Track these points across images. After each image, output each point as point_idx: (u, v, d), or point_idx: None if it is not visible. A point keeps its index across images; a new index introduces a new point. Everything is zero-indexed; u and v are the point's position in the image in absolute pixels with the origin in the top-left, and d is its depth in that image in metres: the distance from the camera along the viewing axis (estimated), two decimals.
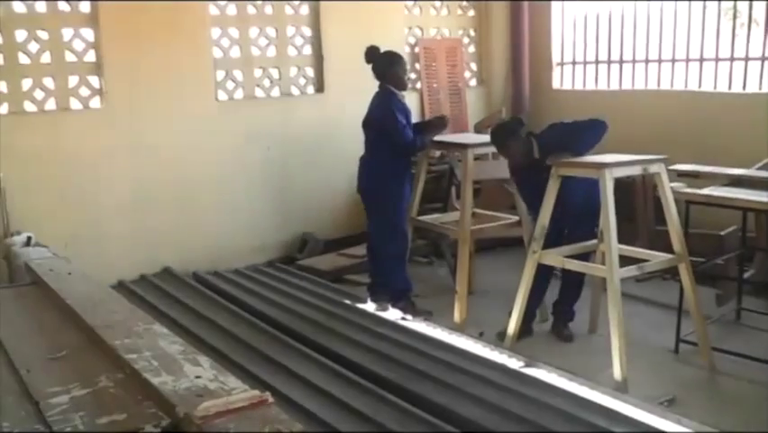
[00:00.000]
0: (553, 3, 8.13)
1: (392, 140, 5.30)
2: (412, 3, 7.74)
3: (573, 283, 5.09)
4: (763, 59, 6.50)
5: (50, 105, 5.68)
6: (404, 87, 5.53)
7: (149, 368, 1.85)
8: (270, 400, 1.66)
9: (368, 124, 5.46)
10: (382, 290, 5.54)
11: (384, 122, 5.31)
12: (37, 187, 5.47)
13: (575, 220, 4.89)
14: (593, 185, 4.88)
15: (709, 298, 5.16)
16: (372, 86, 5.40)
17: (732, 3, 6.75)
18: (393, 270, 5.50)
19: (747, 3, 6.56)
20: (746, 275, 5.36)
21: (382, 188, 5.40)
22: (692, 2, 6.91)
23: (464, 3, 8.19)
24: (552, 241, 4.68)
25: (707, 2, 6.79)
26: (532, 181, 4.80)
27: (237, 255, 6.51)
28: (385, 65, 5.40)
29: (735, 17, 6.81)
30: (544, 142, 4.84)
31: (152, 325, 2.19)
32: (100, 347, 2.06)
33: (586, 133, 4.77)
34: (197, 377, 1.79)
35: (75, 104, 5.78)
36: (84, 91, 5.79)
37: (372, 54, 5.41)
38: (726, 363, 4.50)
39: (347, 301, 5.38)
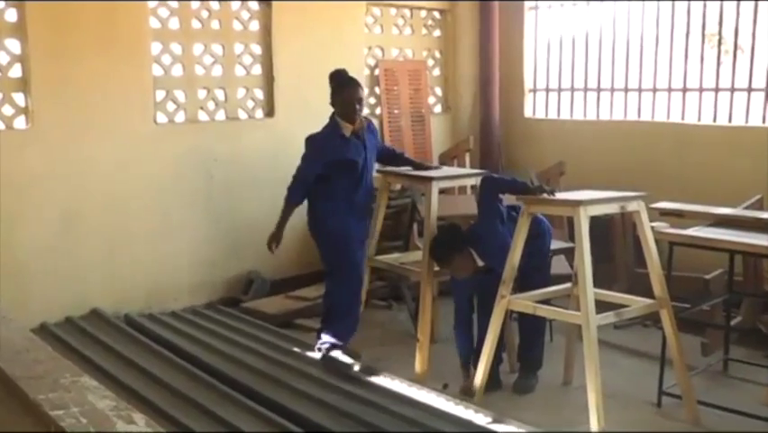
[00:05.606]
0: (525, 24, 8.27)
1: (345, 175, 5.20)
2: (373, 20, 7.81)
3: (532, 327, 5.11)
4: (749, 90, 6.66)
5: None
6: (347, 119, 5.17)
7: (77, 426, 1.82)
8: None
9: None
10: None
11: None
12: None
13: (525, 267, 4.76)
14: (539, 225, 4.93)
15: (694, 346, 5.25)
16: (328, 111, 5.37)
17: (716, 30, 6.91)
18: (338, 314, 5.30)
19: (732, 30, 6.74)
20: (734, 322, 5.46)
21: (320, 225, 5.31)
22: (675, 28, 7.08)
23: (430, 22, 8.29)
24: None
25: (690, 28, 6.95)
26: (484, 285, 4.87)
27: (174, 295, 6.45)
28: (332, 89, 5.25)
29: (719, 45, 6.99)
30: (479, 245, 4.91)
31: (81, 377, 2.16)
32: (22, 402, 2.02)
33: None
34: None
35: None
36: (7, 110, 5.69)
37: (330, 77, 5.29)
38: (712, 417, 4.56)
39: (296, 349, 5.35)
